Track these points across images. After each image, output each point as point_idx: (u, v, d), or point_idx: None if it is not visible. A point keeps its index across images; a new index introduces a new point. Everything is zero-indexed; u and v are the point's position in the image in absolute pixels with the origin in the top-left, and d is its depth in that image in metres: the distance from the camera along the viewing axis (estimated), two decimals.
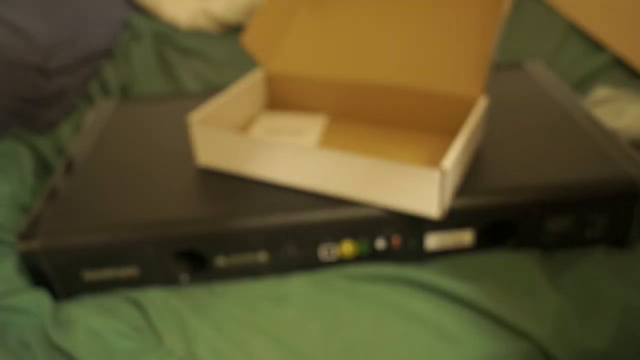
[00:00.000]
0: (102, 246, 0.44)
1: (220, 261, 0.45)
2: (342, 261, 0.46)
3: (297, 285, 0.45)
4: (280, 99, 0.60)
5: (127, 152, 0.54)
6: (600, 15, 0.84)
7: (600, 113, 0.62)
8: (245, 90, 0.57)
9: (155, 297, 0.44)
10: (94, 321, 0.42)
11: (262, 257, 0.45)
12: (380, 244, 0.45)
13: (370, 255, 0.46)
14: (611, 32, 0.81)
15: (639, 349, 0.39)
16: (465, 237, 0.45)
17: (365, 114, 0.57)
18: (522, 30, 0.90)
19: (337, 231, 0.45)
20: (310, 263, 0.46)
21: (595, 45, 0.82)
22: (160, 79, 0.83)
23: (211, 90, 0.68)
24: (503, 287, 0.43)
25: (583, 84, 0.73)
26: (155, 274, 0.45)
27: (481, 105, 0.49)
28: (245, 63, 0.86)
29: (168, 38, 0.95)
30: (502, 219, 0.45)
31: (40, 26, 0.75)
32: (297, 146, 0.45)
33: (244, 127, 0.58)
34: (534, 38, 0.87)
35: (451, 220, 0.44)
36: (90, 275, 0.45)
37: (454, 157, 0.41)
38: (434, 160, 0.50)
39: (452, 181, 0.43)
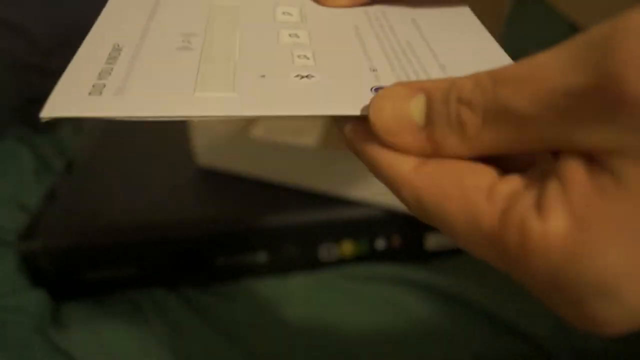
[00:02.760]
0: (102, 246, 0.44)
1: (220, 261, 0.45)
2: (342, 261, 0.46)
3: (297, 285, 0.45)
4: None
5: (127, 152, 0.54)
6: (600, 16, 0.84)
7: None
8: None
9: (154, 298, 0.44)
10: (93, 321, 0.42)
11: (262, 257, 0.45)
12: (380, 244, 0.45)
13: (370, 255, 0.46)
14: None
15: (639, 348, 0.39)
16: None
17: None
18: (522, 30, 0.90)
19: (337, 231, 0.45)
20: (310, 263, 0.46)
21: None
22: None
23: None
24: (503, 287, 0.43)
25: None
26: (155, 274, 0.45)
27: None
28: None
29: None
30: None
31: (40, 26, 0.75)
32: (297, 146, 0.45)
33: (245, 126, 0.58)
34: (534, 38, 0.87)
35: None
36: (90, 275, 0.45)
37: None
38: None
39: None
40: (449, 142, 0.16)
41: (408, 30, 0.23)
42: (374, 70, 0.20)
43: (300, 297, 0.44)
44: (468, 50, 0.22)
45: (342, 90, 0.19)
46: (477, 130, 0.15)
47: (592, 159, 0.14)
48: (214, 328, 0.42)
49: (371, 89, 0.19)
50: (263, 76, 0.20)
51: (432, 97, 0.16)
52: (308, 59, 0.21)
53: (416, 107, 0.17)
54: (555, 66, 0.14)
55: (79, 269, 0.44)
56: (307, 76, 0.20)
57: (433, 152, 0.17)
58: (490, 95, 0.15)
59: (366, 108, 0.18)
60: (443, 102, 0.16)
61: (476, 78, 0.15)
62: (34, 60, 0.71)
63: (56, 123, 0.72)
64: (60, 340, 0.41)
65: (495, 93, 0.15)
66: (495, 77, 0.15)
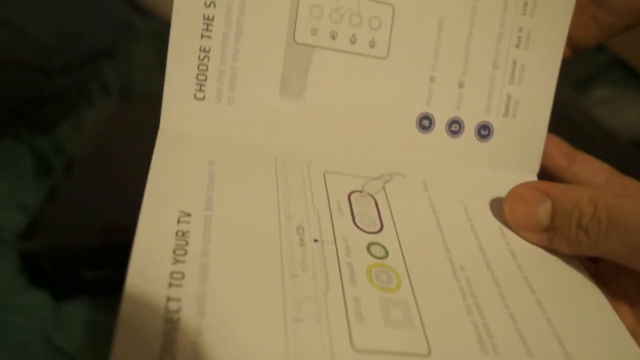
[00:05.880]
0: (102, 246, 0.43)
1: None
2: None
3: None
4: None
5: (127, 152, 0.54)
6: None
7: (600, 113, 0.62)
8: None
9: None
10: (94, 321, 0.42)
11: None
12: None
13: None
14: None
15: None
16: None
17: None
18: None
19: None
20: None
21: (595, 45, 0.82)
22: (161, 79, 0.83)
23: None
24: None
25: (583, 84, 0.73)
26: None
27: None
28: None
29: (169, 38, 0.95)
30: None
31: (40, 26, 0.75)
32: None
33: None
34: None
35: None
36: (90, 275, 0.45)
37: None
38: None
39: None
40: (565, 249, 0.21)
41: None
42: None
43: None
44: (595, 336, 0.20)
45: None
46: (588, 248, 0.20)
47: None
48: None
49: None
50: None
51: (557, 209, 0.21)
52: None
53: (543, 213, 0.21)
54: None
55: (79, 268, 0.44)
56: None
57: (550, 245, 0.22)
58: (602, 234, 0.19)
59: None
60: (566, 217, 0.20)
61: (595, 208, 0.19)
62: (34, 60, 0.71)
63: (56, 123, 0.72)
64: (60, 340, 0.41)
65: (607, 234, 0.19)
66: (610, 217, 0.19)
